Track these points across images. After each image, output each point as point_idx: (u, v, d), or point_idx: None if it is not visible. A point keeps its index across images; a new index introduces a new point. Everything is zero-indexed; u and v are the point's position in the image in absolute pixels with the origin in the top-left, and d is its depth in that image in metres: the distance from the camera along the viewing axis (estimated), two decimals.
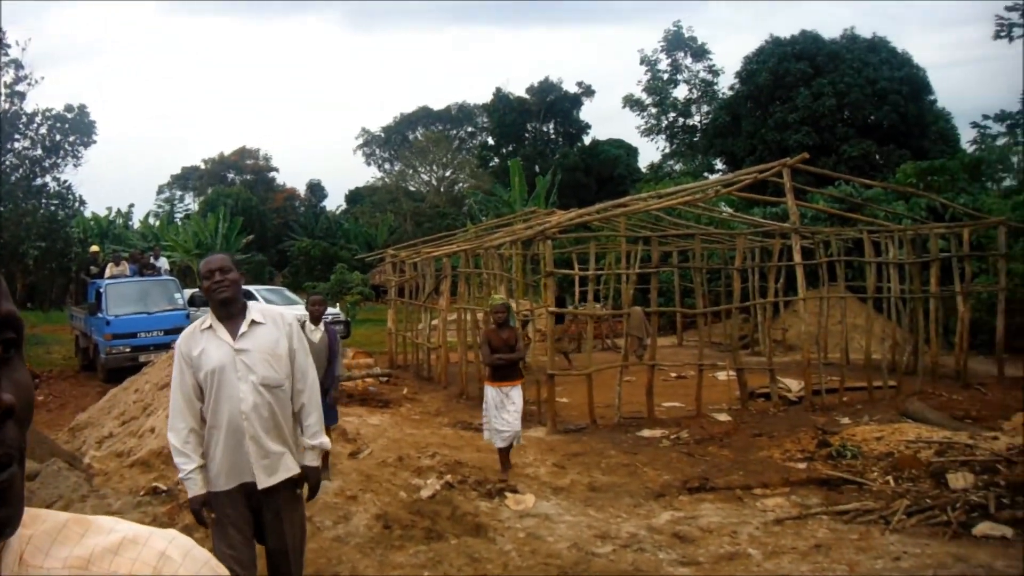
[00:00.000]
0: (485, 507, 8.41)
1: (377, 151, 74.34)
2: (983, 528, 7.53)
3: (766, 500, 8.65)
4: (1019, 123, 32.75)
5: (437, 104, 78.70)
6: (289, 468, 4.52)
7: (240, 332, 4.43)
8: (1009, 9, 35.37)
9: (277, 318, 4.60)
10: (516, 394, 9.83)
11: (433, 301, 19.69)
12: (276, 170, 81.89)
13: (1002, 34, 35.61)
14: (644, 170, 53.60)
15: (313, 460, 4.65)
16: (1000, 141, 32.90)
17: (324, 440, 4.71)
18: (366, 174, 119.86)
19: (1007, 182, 30.40)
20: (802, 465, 9.92)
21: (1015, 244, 19.31)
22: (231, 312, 4.48)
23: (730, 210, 24.91)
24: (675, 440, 11.70)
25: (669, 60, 50.94)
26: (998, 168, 30.46)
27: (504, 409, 9.69)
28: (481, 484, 9.09)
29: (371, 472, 9.51)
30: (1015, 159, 31.66)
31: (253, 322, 4.48)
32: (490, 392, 9.92)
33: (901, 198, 23.67)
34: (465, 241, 20.02)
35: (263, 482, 4.43)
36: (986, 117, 33.97)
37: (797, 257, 14.13)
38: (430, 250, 20.81)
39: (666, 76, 50.99)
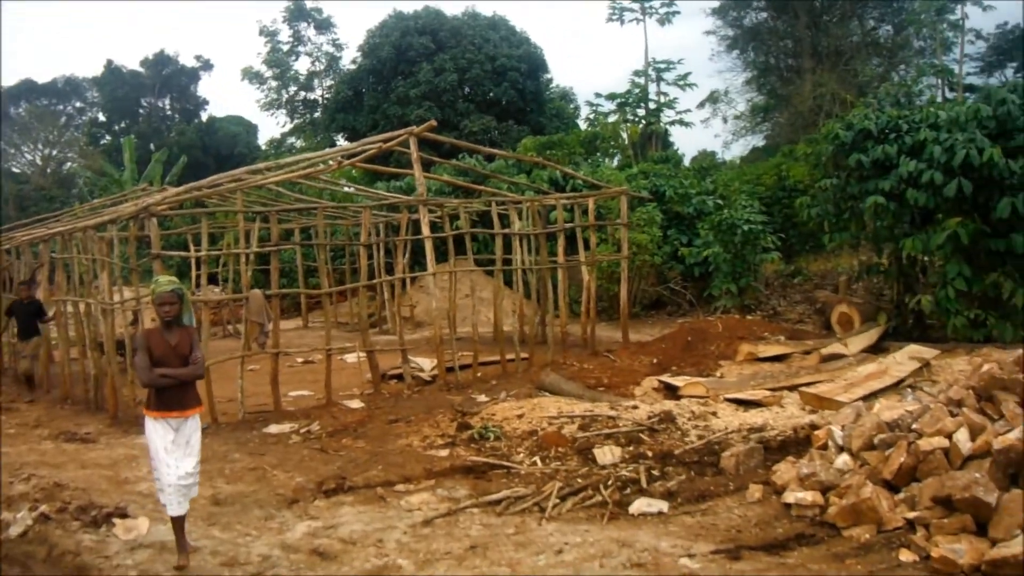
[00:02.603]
0: (89, 541, 6.77)
1: None
2: (639, 505, 7.24)
3: (411, 497, 7.76)
4: (627, 103, 34.97)
5: (42, 77, 72.68)
6: None
7: None
8: None
9: None
10: (194, 427, 6.58)
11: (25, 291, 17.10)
12: None
13: (614, 18, 38.18)
14: (264, 148, 52.30)
15: None
16: (611, 119, 34.95)
17: None
18: None
19: (618, 158, 32.19)
20: (444, 452, 9.15)
21: (632, 214, 19.99)
22: None
23: (354, 186, 24.09)
24: (306, 434, 10.64)
25: (291, 31, 49.84)
26: (611, 144, 32.20)
27: (182, 451, 6.45)
28: (85, 511, 7.31)
29: None
30: (624, 135, 33.63)
31: None
32: (156, 429, 6.43)
33: (523, 171, 23.98)
34: (68, 222, 17.51)
35: None
36: (598, 96, 36.20)
37: (426, 230, 13.57)
38: (23, 235, 18.17)
39: (287, 48, 49.85)
